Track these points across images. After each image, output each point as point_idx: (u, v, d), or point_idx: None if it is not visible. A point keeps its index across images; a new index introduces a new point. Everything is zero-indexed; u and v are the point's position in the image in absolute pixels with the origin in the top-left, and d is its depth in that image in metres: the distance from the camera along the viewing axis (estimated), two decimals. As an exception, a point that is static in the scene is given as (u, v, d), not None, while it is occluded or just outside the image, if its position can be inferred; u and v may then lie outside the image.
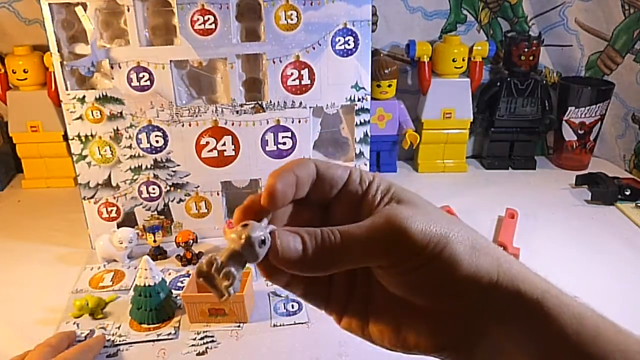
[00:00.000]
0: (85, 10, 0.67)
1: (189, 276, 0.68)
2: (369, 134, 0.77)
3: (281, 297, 0.64)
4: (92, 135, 0.71)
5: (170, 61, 0.69)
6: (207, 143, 0.73)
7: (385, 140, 0.99)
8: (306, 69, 0.71)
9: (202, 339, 0.57)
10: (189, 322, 0.60)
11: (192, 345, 0.56)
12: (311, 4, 0.68)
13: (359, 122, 0.75)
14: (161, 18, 0.72)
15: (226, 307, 0.59)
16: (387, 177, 0.29)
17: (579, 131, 0.99)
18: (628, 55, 0.99)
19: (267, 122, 0.73)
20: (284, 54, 0.70)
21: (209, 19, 0.67)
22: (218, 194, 0.76)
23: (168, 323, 0.60)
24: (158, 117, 0.71)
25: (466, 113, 0.99)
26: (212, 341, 0.57)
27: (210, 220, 0.77)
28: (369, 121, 0.76)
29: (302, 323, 0.59)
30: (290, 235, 0.26)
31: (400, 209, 0.27)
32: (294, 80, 0.71)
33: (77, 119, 0.70)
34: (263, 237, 0.25)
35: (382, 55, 0.96)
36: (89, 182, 0.73)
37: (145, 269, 0.59)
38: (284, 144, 0.74)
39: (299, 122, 0.73)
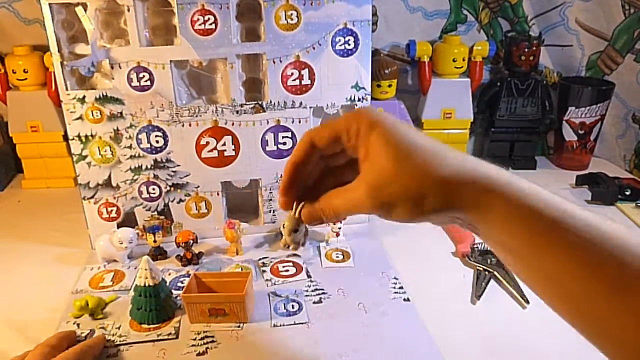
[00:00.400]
0: (85, 11, 0.67)
1: (189, 276, 0.68)
2: (369, 134, 0.76)
3: (281, 297, 0.64)
4: (92, 136, 0.71)
5: (171, 61, 0.69)
6: (207, 143, 0.73)
7: (386, 140, 0.99)
8: (306, 69, 0.71)
9: (202, 339, 0.57)
10: (189, 322, 0.60)
11: (192, 345, 0.56)
12: (311, 4, 0.68)
13: (359, 122, 0.75)
14: (161, 18, 0.72)
15: (226, 307, 0.59)
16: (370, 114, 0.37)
17: (580, 131, 0.99)
18: (628, 55, 0.99)
19: (267, 122, 0.73)
20: (284, 54, 0.70)
21: (209, 19, 0.67)
22: (218, 194, 0.76)
23: (168, 323, 0.60)
24: (158, 117, 0.71)
25: (466, 113, 0.99)
26: (212, 341, 0.57)
27: (211, 221, 0.77)
28: (369, 121, 0.76)
29: (302, 323, 0.59)
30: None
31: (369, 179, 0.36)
32: (294, 80, 0.71)
33: (77, 119, 0.70)
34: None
35: (382, 55, 0.96)
36: (89, 182, 0.73)
37: (146, 269, 0.59)
38: (284, 144, 0.74)
39: (299, 122, 0.73)
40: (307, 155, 0.39)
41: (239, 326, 0.59)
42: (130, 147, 0.72)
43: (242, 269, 0.70)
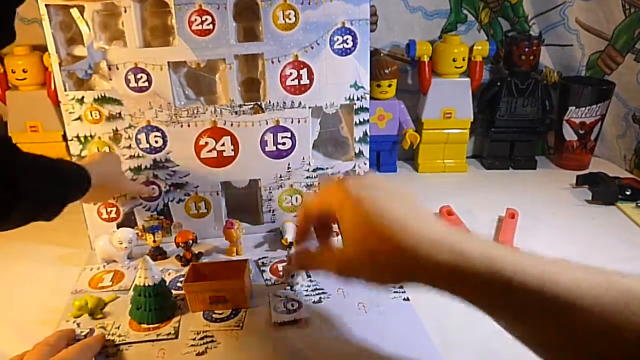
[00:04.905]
0: (82, 13, 0.67)
1: (188, 276, 0.68)
2: (369, 133, 0.76)
3: (280, 297, 0.63)
4: (91, 136, 0.71)
5: (168, 62, 0.69)
6: (207, 143, 0.73)
7: (386, 140, 0.99)
8: (305, 69, 0.71)
9: (201, 338, 0.57)
10: (190, 311, 0.61)
11: (192, 345, 0.56)
12: (309, 3, 0.68)
13: (358, 121, 0.75)
14: (159, 19, 0.71)
15: (227, 294, 0.60)
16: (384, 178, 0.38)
17: (580, 131, 0.99)
18: (629, 54, 0.99)
19: (267, 123, 0.73)
20: (283, 53, 0.70)
21: (206, 19, 0.67)
22: (218, 194, 0.76)
23: (168, 323, 0.60)
24: (157, 117, 0.71)
25: (466, 113, 0.99)
26: (212, 341, 0.57)
27: (210, 221, 0.77)
28: (368, 120, 0.76)
29: (302, 323, 0.59)
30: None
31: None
32: (292, 80, 0.71)
33: (76, 119, 0.70)
34: None
35: (382, 55, 0.96)
36: (88, 183, 0.73)
37: (145, 269, 0.59)
38: (284, 144, 0.74)
39: (299, 122, 0.73)
40: (307, 224, 0.51)
41: (238, 326, 0.59)
42: (129, 147, 0.72)
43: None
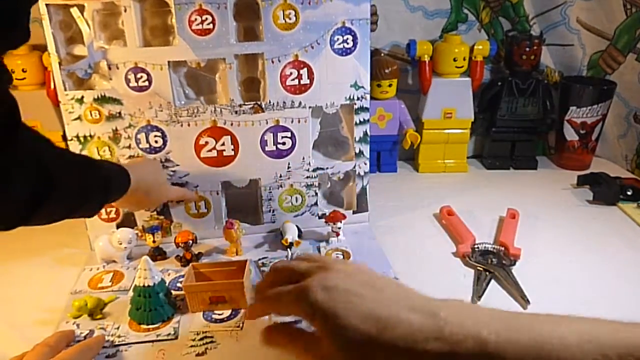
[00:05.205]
0: (82, 12, 0.67)
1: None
2: (369, 133, 0.76)
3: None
4: (90, 136, 0.71)
5: (168, 62, 0.69)
6: (206, 143, 0.72)
7: (386, 140, 0.99)
8: (305, 69, 0.71)
9: (201, 339, 0.57)
10: (190, 312, 0.61)
11: (192, 345, 0.56)
12: (309, 2, 0.68)
13: (358, 121, 0.75)
14: (159, 18, 0.71)
15: (226, 295, 0.60)
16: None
17: (581, 131, 0.98)
18: (630, 54, 0.99)
19: (267, 122, 0.73)
20: (283, 53, 0.70)
21: (206, 18, 0.67)
22: (218, 194, 0.76)
23: (167, 323, 0.59)
24: (157, 117, 0.71)
25: (467, 113, 0.99)
26: (212, 342, 0.56)
27: (210, 220, 0.77)
28: (368, 120, 0.76)
29: (302, 323, 0.59)
30: None
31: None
32: (293, 79, 0.71)
33: (76, 119, 0.70)
34: None
35: (382, 54, 0.96)
36: (88, 183, 0.73)
37: (145, 270, 0.59)
38: (284, 143, 0.74)
39: (299, 122, 0.73)
40: (265, 314, 0.51)
41: (238, 326, 0.59)
42: (129, 147, 0.72)
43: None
